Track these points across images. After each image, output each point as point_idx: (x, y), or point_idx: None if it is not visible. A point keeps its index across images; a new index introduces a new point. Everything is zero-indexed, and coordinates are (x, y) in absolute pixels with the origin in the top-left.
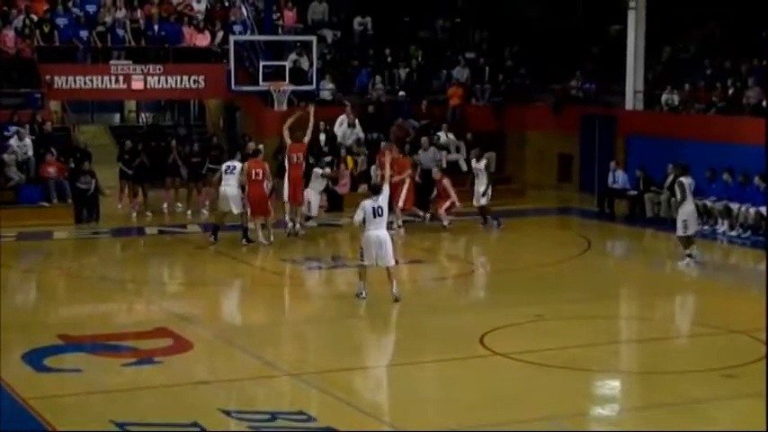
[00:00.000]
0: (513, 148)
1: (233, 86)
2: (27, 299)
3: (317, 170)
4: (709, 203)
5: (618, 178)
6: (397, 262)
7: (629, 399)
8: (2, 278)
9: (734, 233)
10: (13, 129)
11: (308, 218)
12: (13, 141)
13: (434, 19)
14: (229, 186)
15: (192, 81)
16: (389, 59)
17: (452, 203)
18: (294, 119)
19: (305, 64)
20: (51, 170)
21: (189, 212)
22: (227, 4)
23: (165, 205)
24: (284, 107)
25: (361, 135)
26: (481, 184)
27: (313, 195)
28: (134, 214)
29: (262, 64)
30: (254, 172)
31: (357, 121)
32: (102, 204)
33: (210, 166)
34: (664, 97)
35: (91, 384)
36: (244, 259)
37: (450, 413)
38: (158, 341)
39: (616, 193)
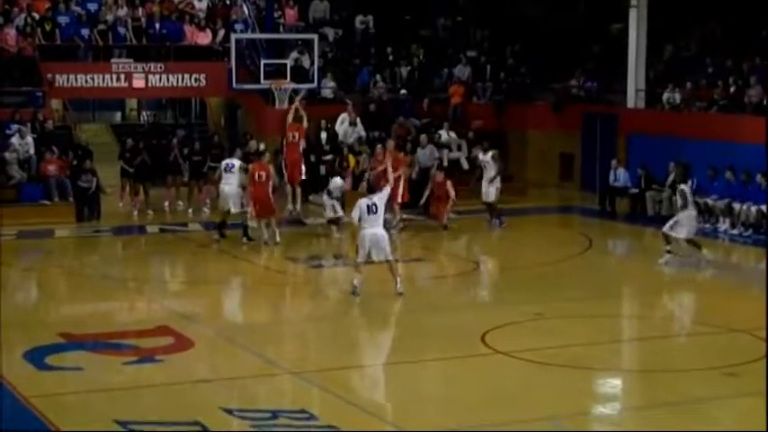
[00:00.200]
0: (515, 147)
1: (234, 85)
2: (28, 297)
3: (338, 180)
4: (710, 202)
5: (619, 177)
6: (397, 261)
7: (630, 397)
8: (3, 276)
9: (735, 231)
10: (15, 127)
11: (335, 220)
12: (15, 140)
13: (436, 17)
14: (228, 185)
15: (193, 79)
16: (391, 58)
17: (452, 203)
18: (293, 113)
19: (306, 62)
20: (52, 168)
21: (190, 211)
22: (228, 2)
23: (167, 203)
24: (285, 105)
25: (363, 133)
26: (489, 177)
27: (328, 201)
28: (135, 212)
29: (263, 62)
30: (257, 174)
31: (358, 119)
32: (104, 203)
33: (212, 164)
34: (665, 96)
35: (92, 383)
36: (245, 257)
37: (452, 412)
38: (160, 339)
39: (617, 191)
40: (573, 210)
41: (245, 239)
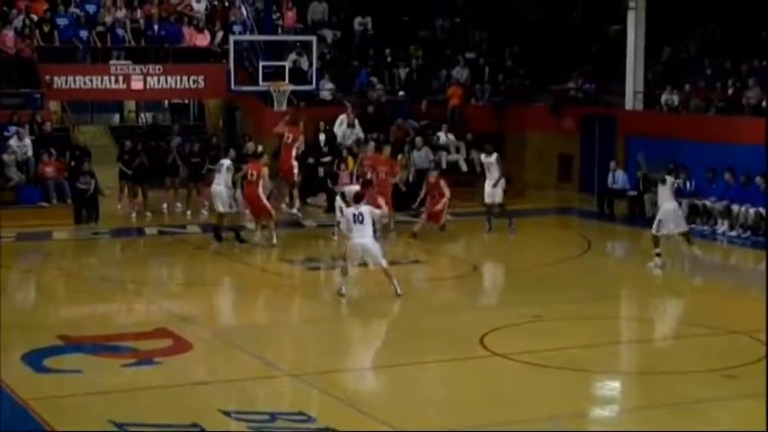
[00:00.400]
0: (513, 149)
1: (233, 86)
2: (27, 299)
3: (354, 188)
4: (709, 204)
5: (618, 178)
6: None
7: (628, 399)
8: (1, 278)
9: (734, 233)
10: (13, 129)
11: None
12: (13, 141)
13: (434, 19)
14: (217, 185)
15: (191, 81)
16: (389, 59)
17: (447, 201)
18: (283, 124)
19: (305, 64)
20: (49, 170)
21: (188, 213)
22: (226, 3)
23: (165, 205)
24: (284, 107)
25: (361, 135)
26: (492, 179)
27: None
28: (134, 214)
29: (261, 64)
30: (249, 173)
31: (357, 121)
32: (102, 205)
33: (210, 166)
34: (663, 97)
35: (90, 385)
36: (243, 260)
37: (450, 413)
38: (158, 342)
39: (616, 193)
40: (571, 211)
41: (236, 243)
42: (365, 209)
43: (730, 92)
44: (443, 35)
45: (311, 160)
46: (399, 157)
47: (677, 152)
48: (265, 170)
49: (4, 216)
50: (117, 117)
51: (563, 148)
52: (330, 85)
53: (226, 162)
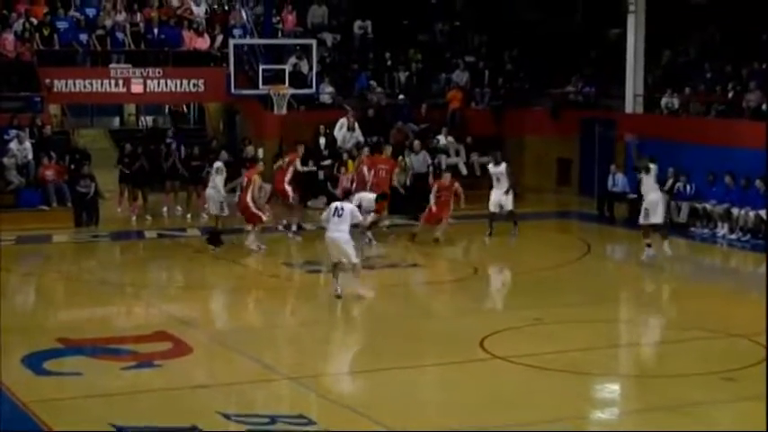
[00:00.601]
0: (513, 152)
1: (233, 90)
2: (27, 302)
3: (370, 195)
4: (709, 207)
5: (617, 182)
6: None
7: (628, 402)
8: (2, 282)
9: (734, 236)
10: (13, 132)
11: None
12: (13, 145)
13: (434, 23)
14: (209, 188)
15: (191, 85)
16: (389, 63)
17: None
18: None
19: (305, 67)
20: (49, 173)
21: (188, 216)
22: (226, 7)
23: (165, 209)
24: (284, 111)
25: (361, 139)
26: (502, 188)
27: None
28: (134, 218)
29: (261, 67)
30: (245, 179)
31: (357, 124)
32: (102, 208)
33: (209, 169)
34: (663, 101)
35: (90, 388)
36: (243, 263)
37: (451, 416)
38: (158, 345)
39: (616, 196)
40: (571, 215)
41: (211, 246)
42: (349, 207)
43: (730, 95)
44: (443, 39)
45: (311, 164)
46: (399, 158)
47: (677, 155)
48: (257, 177)
49: (4, 219)
50: (117, 120)
51: (562, 151)
52: (330, 89)
53: (216, 164)
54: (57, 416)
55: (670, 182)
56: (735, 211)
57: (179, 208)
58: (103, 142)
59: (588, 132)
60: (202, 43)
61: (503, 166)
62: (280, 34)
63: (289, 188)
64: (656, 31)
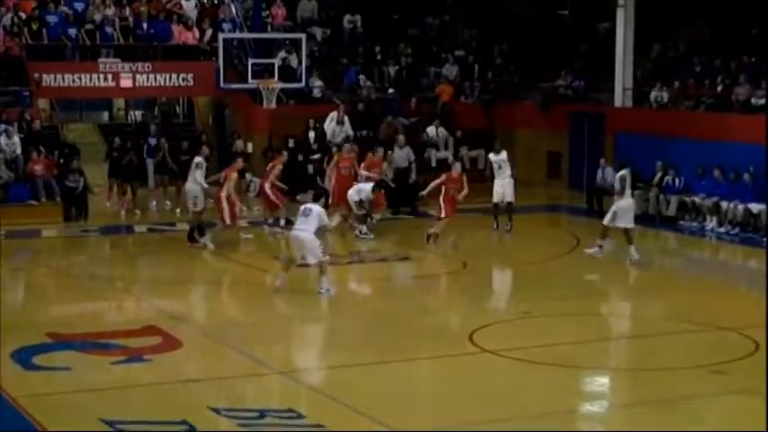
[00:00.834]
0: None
1: (222, 84)
2: (16, 297)
3: (366, 187)
4: (698, 200)
5: (607, 176)
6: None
7: (617, 395)
8: None
9: (722, 230)
10: (2, 127)
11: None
12: (2, 139)
13: (424, 17)
14: (188, 183)
15: (180, 79)
16: (379, 57)
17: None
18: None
19: (294, 62)
20: (38, 168)
21: (178, 210)
22: (216, 1)
23: (154, 203)
24: (273, 105)
25: (350, 132)
26: (504, 177)
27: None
28: (123, 212)
29: (251, 62)
30: (223, 175)
31: (346, 118)
32: (91, 202)
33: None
34: (653, 95)
35: (80, 382)
36: (233, 257)
37: (440, 410)
38: (147, 339)
39: (605, 190)
40: (561, 208)
41: (188, 244)
42: (317, 209)
43: (719, 89)
44: (433, 33)
45: (301, 158)
46: (389, 152)
47: (666, 149)
48: (234, 174)
49: None
50: (106, 115)
51: (552, 145)
52: (319, 83)
53: (196, 159)
54: (46, 411)
55: (658, 175)
56: (724, 204)
57: (168, 202)
58: (92, 137)
59: (578, 126)
60: (192, 37)
61: (503, 153)
62: (269, 28)
63: (269, 191)
64: (646, 24)
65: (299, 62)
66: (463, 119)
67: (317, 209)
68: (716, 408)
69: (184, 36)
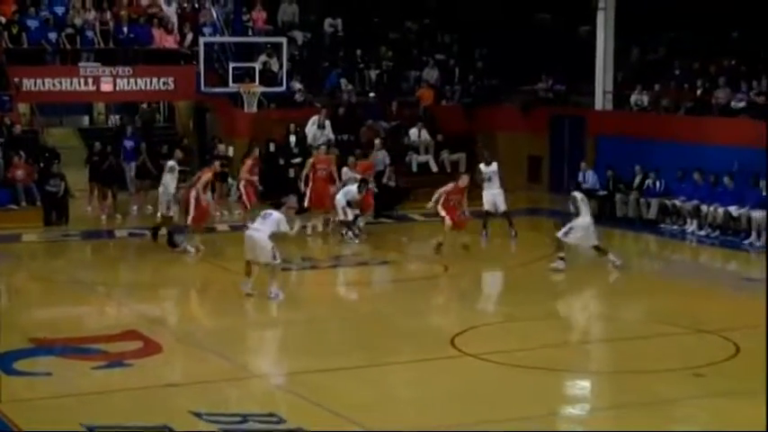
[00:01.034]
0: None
1: (203, 88)
2: None
3: (353, 188)
4: (678, 203)
5: (588, 178)
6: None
7: (599, 398)
8: None
9: (703, 233)
10: None
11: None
12: None
13: (404, 20)
14: (160, 186)
15: (161, 83)
16: (360, 61)
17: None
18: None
19: (275, 65)
20: (20, 173)
21: (158, 215)
22: (196, 5)
23: (135, 207)
24: (254, 109)
25: (332, 136)
26: (494, 187)
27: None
28: (104, 217)
29: (231, 65)
30: (196, 177)
31: (328, 122)
32: (72, 207)
33: (180, 167)
34: (633, 98)
35: (61, 387)
36: (214, 261)
37: (421, 414)
38: (128, 344)
39: (586, 193)
40: (541, 212)
41: (169, 246)
42: (276, 216)
43: (699, 92)
44: (413, 37)
45: (281, 161)
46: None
47: (646, 152)
48: (204, 177)
49: None
50: (86, 119)
51: (533, 148)
52: (300, 86)
53: (169, 163)
54: (27, 416)
55: (638, 179)
56: (704, 207)
57: (149, 207)
58: (73, 141)
59: (558, 129)
60: (172, 41)
61: (494, 165)
62: (250, 32)
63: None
64: (626, 28)
65: (280, 66)
66: (444, 122)
67: (276, 215)
68: (697, 410)
69: (165, 40)
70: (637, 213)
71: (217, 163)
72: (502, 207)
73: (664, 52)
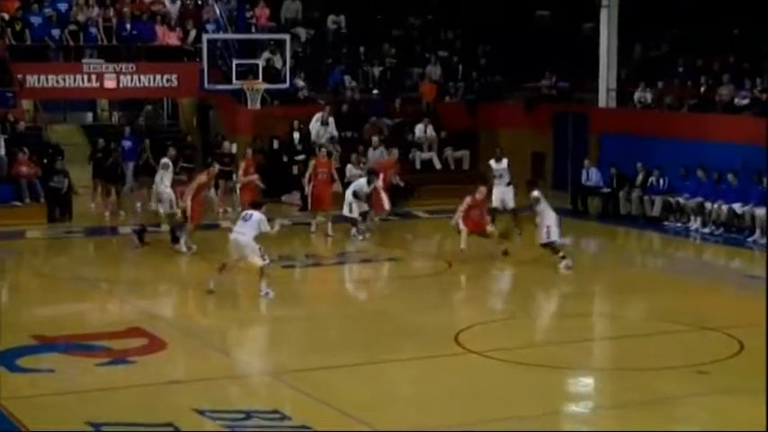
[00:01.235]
0: (486, 146)
1: (206, 85)
2: (0, 299)
3: (363, 182)
4: (682, 201)
5: (591, 176)
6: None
7: (602, 396)
8: None
9: (707, 230)
10: None
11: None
12: None
13: (407, 17)
14: (155, 184)
15: (164, 80)
16: (363, 58)
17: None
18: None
19: (278, 62)
20: (23, 169)
21: (161, 213)
22: (200, 2)
23: (138, 204)
24: (257, 105)
25: (335, 133)
26: (503, 184)
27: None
28: (107, 213)
29: (235, 62)
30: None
31: (331, 119)
32: (75, 203)
33: (184, 164)
34: (636, 95)
35: (64, 384)
36: (218, 259)
37: (425, 411)
38: (132, 341)
39: (589, 190)
40: None
41: (171, 243)
42: (257, 217)
43: (703, 89)
44: (416, 33)
45: (285, 159)
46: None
47: (650, 149)
48: (202, 177)
49: None
50: (90, 116)
51: (536, 145)
52: (303, 84)
53: (163, 160)
54: (31, 413)
55: (641, 176)
56: (708, 204)
57: (153, 204)
58: (76, 138)
59: (562, 126)
60: (175, 38)
61: (504, 162)
62: (253, 29)
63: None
64: (629, 25)
65: (284, 63)
66: (447, 119)
67: (257, 215)
68: (701, 408)
69: (168, 37)
70: (640, 211)
71: (216, 165)
72: (510, 204)
73: (667, 49)
